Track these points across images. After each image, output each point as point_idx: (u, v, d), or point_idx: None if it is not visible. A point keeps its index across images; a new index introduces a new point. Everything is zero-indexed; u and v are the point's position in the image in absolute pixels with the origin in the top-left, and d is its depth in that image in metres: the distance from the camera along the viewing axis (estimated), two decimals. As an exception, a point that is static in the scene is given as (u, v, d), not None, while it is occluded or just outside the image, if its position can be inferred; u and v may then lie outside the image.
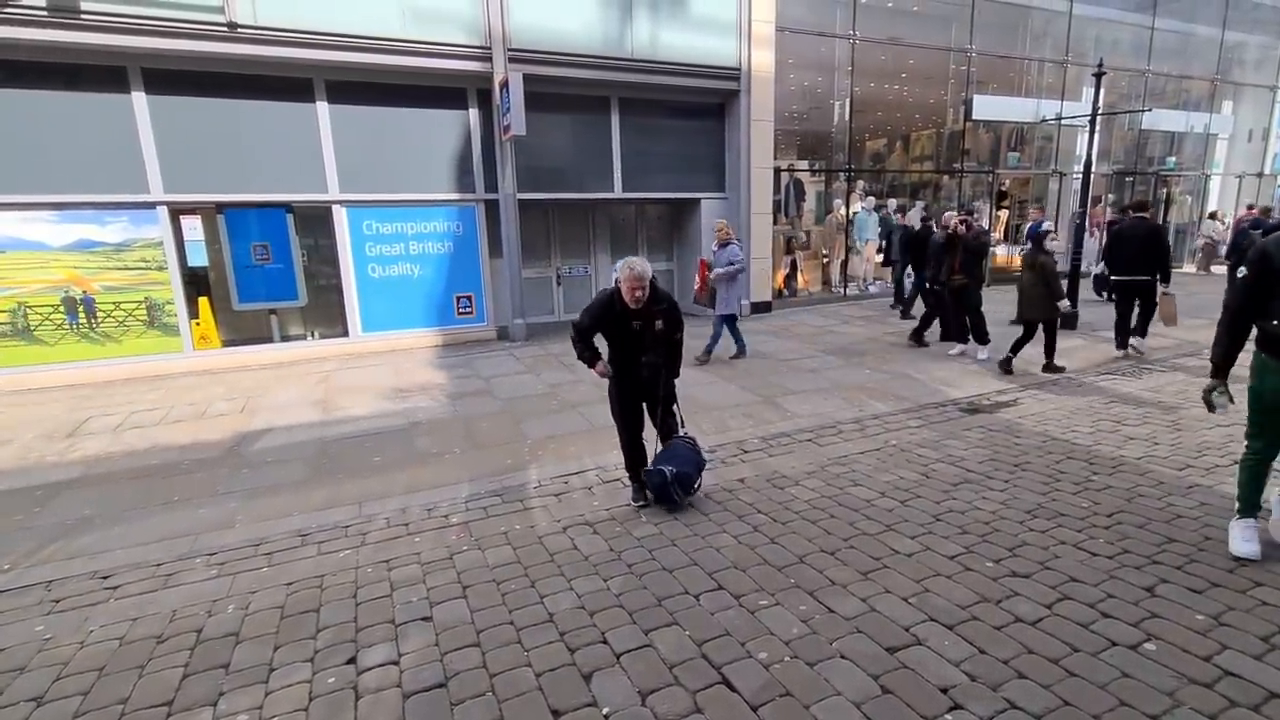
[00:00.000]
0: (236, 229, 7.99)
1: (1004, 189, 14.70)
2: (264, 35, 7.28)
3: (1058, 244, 6.89)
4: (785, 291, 12.06)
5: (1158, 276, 7.13)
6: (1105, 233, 12.19)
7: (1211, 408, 3.20)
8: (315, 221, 8.42)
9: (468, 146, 8.92)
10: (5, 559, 3.63)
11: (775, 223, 11.23)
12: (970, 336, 7.59)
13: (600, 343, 3.94)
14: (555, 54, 8.68)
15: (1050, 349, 6.72)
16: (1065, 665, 2.46)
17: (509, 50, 8.40)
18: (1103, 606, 2.81)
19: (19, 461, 5.10)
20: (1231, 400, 3.17)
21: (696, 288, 8.27)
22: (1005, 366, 6.73)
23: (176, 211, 7.68)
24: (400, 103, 8.46)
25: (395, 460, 4.89)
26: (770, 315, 10.78)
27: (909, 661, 2.52)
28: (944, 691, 2.36)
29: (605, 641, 2.72)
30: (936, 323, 8.36)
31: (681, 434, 4.09)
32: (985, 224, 12.56)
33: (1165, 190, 16.29)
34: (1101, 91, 9.13)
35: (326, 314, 8.78)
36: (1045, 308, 6.48)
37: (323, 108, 8.07)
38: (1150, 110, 13.87)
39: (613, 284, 3.84)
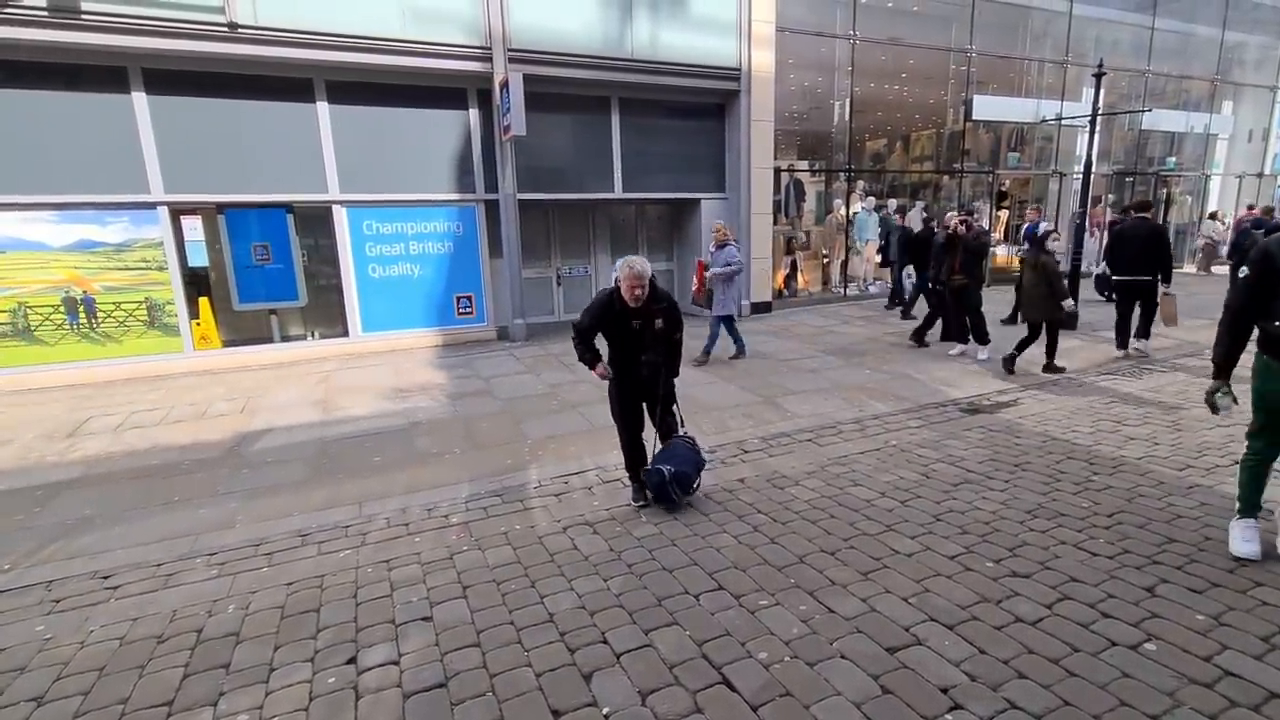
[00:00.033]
0: (237, 229, 7.99)
1: (1004, 189, 14.71)
2: (264, 35, 7.28)
3: (1059, 244, 6.88)
4: (785, 292, 12.06)
5: (1159, 277, 7.13)
6: (1106, 233, 12.21)
7: (1215, 409, 3.18)
8: (315, 221, 8.42)
9: (468, 147, 8.92)
10: (5, 559, 3.63)
11: (775, 223, 11.24)
12: (970, 337, 7.59)
13: (600, 343, 3.94)
14: (555, 54, 8.69)
15: (1051, 349, 6.71)
16: (1065, 665, 2.46)
17: (509, 50, 8.40)
18: (1103, 606, 2.81)
19: (19, 461, 5.10)
20: (1235, 401, 3.15)
21: (695, 289, 8.27)
22: (1009, 365, 6.74)
23: (177, 212, 7.68)
24: (400, 103, 8.46)
25: (395, 460, 4.89)
26: (770, 315, 10.78)
27: (909, 661, 2.52)
28: (944, 691, 2.36)
29: (605, 641, 2.72)
30: (936, 323, 8.36)
31: (681, 434, 4.10)
32: (985, 224, 12.55)
33: (1165, 190, 16.29)
34: (1101, 92, 9.13)
35: (327, 314, 8.78)
36: (1048, 308, 6.48)
37: (323, 108, 8.07)
38: (1150, 110, 13.87)
39: (612, 284, 3.84)
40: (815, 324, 9.95)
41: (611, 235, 11.01)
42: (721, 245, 7.36)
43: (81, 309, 7.42)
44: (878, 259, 12.42)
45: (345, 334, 8.73)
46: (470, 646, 2.72)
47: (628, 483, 4.15)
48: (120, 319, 7.60)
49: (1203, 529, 3.45)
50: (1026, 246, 10.07)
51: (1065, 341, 7.01)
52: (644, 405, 4.06)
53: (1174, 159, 16.28)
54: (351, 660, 2.67)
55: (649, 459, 4.00)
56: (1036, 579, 3.05)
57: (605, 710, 2.33)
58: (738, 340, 7.74)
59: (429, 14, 8.04)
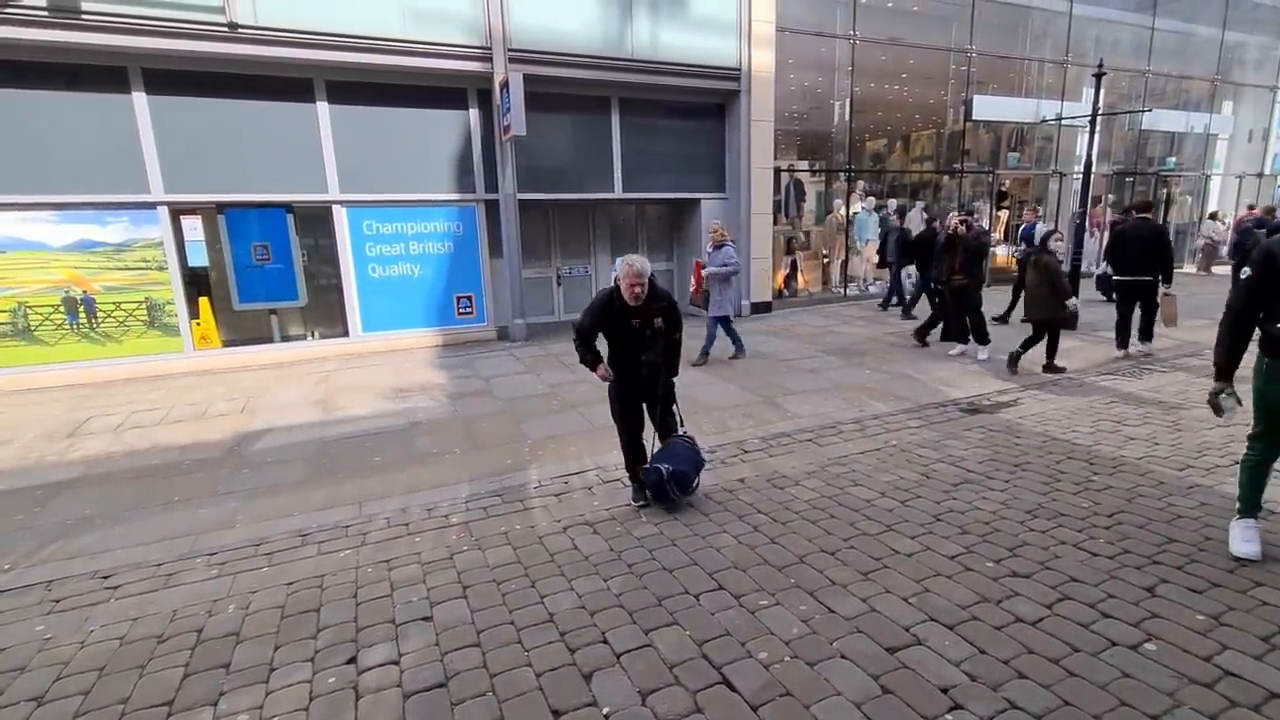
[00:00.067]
0: (237, 229, 7.99)
1: (1004, 189, 14.70)
2: (264, 35, 7.28)
3: (1061, 244, 6.89)
4: (785, 292, 12.06)
5: (1159, 277, 7.14)
6: (1106, 233, 12.20)
7: (1219, 411, 3.15)
8: (315, 221, 8.42)
9: (468, 146, 8.92)
10: (6, 559, 3.63)
11: (775, 223, 11.23)
12: (970, 337, 7.59)
13: (600, 344, 3.94)
14: (555, 54, 8.69)
15: (1052, 349, 6.72)
16: (1065, 665, 2.46)
17: (509, 50, 8.40)
18: (1103, 606, 2.81)
19: (19, 461, 5.10)
20: (1239, 403, 3.13)
21: (693, 289, 8.27)
22: (1013, 364, 6.75)
23: (177, 211, 7.68)
24: (400, 103, 8.46)
25: (395, 460, 4.90)
26: (770, 315, 10.78)
27: (909, 661, 2.52)
28: (944, 691, 2.36)
29: (605, 641, 2.72)
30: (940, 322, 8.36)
31: (681, 433, 4.10)
32: (985, 224, 12.56)
33: (1165, 190, 16.29)
34: (1101, 92, 9.14)
35: (327, 314, 8.78)
36: (1051, 307, 6.48)
37: (323, 108, 8.07)
38: (1150, 110, 13.87)
39: (612, 283, 3.84)
40: (815, 324, 9.95)
41: (611, 235, 11.01)
42: (719, 246, 7.36)
43: (81, 309, 7.42)
44: (876, 259, 12.44)
45: (345, 334, 8.73)
46: (470, 646, 2.73)
47: (628, 483, 4.15)
48: (120, 319, 7.60)
49: (1203, 529, 3.45)
50: (1023, 247, 10.13)
51: (1065, 341, 7.02)
52: (644, 405, 4.06)
53: (1174, 159, 16.28)
54: (352, 660, 2.67)
55: (649, 459, 4.00)
56: (1036, 579, 3.05)
57: (605, 710, 2.33)
58: (736, 340, 7.73)
59: (429, 14, 8.04)
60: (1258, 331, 3.03)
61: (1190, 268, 15.74)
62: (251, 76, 7.66)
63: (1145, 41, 14.25)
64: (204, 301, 8.01)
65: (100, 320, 7.52)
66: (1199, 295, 11.18)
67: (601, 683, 2.47)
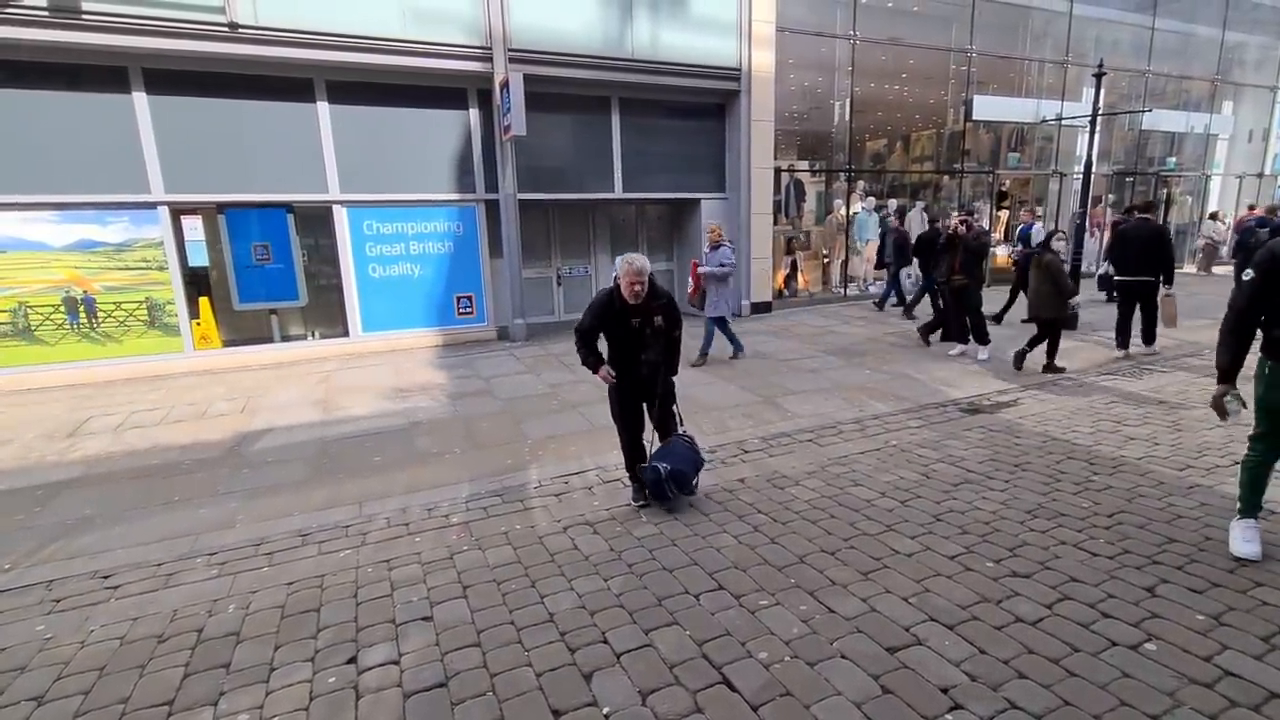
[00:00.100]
0: (237, 229, 7.99)
1: (1004, 189, 14.71)
2: (265, 35, 7.28)
3: (1064, 244, 6.90)
4: (785, 292, 12.06)
5: (1160, 278, 7.14)
6: (1107, 233, 12.19)
7: (1224, 414, 3.09)
8: (316, 221, 8.42)
9: (468, 146, 8.92)
10: (6, 559, 3.63)
11: (775, 223, 11.23)
12: (970, 337, 7.59)
13: (600, 344, 3.94)
14: (555, 54, 8.69)
15: (1052, 349, 6.72)
16: (1066, 665, 2.46)
17: (509, 50, 8.40)
18: (1103, 606, 2.81)
19: (20, 461, 5.10)
20: (1244, 405, 3.09)
21: (690, 290, 8.27)
22: (1019, 362, 6.78)
23: (177, 211, 7.68)
24: (400, 103, 8.46)
25: (396, 460, 4.90)
26: (770, 315, 10.78)
27: (909, 661, 2.52)
28: (944, 691, 2.36)
29: (606, 641, 2.72)
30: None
31: (680, 432, 4.09)
32: (985, 224, 12.55)
33: (1165, 191, 16.29)
34: (1101, 92, 9.13)
35: (327, 314, 8.78)
36: (1055, 306, 6.49)
37: (323, 108, 8.07)
38: (1150, 111, 13.87)
39: (612, 283, 3.85)
40: (815, 324, 9.95)
41: (611, 235, 11.01)
42: (715, 246, 7.34)
43: (82, 309, 7.42)
44: (874, 259, 12.44)
45: (345, 334, 8.73)
46: (470, 646, 2.73)
47: (628, 483, 4.15)
48: (120, 319, 7.60)
49: (1203, 529, 3.45)
50: (1019, 248, 10.17)
51: (1065, 341, 7.02)
52: (644, 405, 4.06)
53: (1174, 159, 16.28)
54: (352, 660, 2.67)
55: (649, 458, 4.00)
56: (1037, 579, 3.05)
57: (605, 710, 2.34)
58: (733, 341, 7.71)
59: (429, 14, 8.04)
60: (1261, 336, 3.01)
61: (1190, 268, 15.74)
62: (252, 76, 7.66)
63: (1145, 41, 14.25)
64: (204, 301, 8.01)
65: (100, 320, 7.52)
66: (1199, 295, 11.18)
67: (602, 682, 2.48)
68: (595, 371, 3.89)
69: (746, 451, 4.84)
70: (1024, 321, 9.07)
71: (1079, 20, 13.28)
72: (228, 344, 8.22)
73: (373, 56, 7.84)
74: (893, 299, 10.98)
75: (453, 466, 4.74)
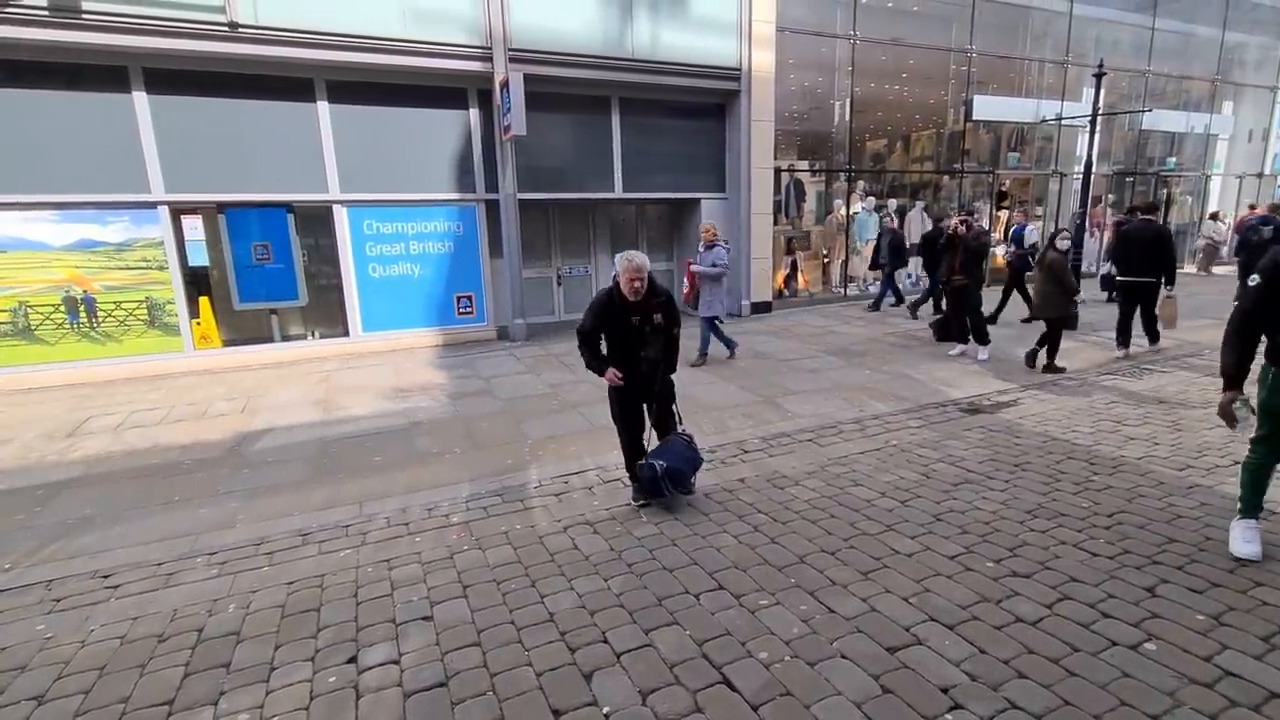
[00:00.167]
0: (237, 229, 7.99)
1: (1004, 189, 14.71)
2: (265, 35, 7.28)
3: (1066, 244, 6.92)
4: (785, 292, 12.06)
5: (1161, 278, 7.15)
6: (1107, 233, 12.19)
7: (1233, 422, 3.02)
8: (316, 221, 8.42)
9: (468, 146, 8.92)
10: (6, 558, 3.63)
11: (775, 223, 11.23)
12: (970, 337, 7.59)
13: (600, 345, 3.94)
14: (555, 54, 8.69)
15: (1053, 349, 6.72)
16: (1066, 665, 2.46)
17: (509, 50, 8.40)
18: (1103, 606, 2.81)
19: (20, 461, 5.10)
20: (1253, 411, 3.05)
21: (685, 290, 8.25)
22: (1030, 360, 6.81)
23: (177, 211, 7.68)
24: (401, 103, 8.46)
25: (396, 460, 4.90)
26: (770, 315, 10.78)
27: (909, 661, 2.52)
28: (944, 691, 2.36)
29: (606, 641, 2.72)
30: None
31: (679, 431, 4.09)
32: (985, 224, 12.55)
33: (1166, 191, 16.29)
34: (1101, 92, 9.15)
35: (327, 314, 8.78)
36: (1059, 304, 6.49)
37: (323, 108, 8.07)
38: (1150, 111, 13.87)
39: (611, 282, 3.85)
40: (815, 324, 9.95)
41: (612, 235, 11.01)
42: (710, 246, 7.31)
43: (82, 308, 7.42)
44: (870, 260, 12.42)
45: (345, 334, 8.73)
46: (471, 646, 2.73)
47: (628, 483, 4.15)
48: (120, 318, 7.60)
49: (1203, 529, 3.45)
50: (1012, 249, 10.21)
51: (1065, 341, 7.02)
52: (644, 405, 4.06)
53: (1174, 159, 16.28)
54: (352, 659, 2.68)
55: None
56: (1037, 579, 3.05)
57: (606, 710, 2.34)
58: (726, 342, 7.67)
59: (429, 14, 8.04)
60: (1266, 342, 2.99)
61: (1190, 268, 15.74)
62: (252, 76, 7.66)
63: (1145, 41, 14.25)
64: (204, 301, 8.01)
65: (101, 320, 7.52)
66: (1199, 295, 11.19)
67: (602, 682, 2.48)
68: (601, 374, 3.87)
69: (746, 451, 4.84)
70: (1024, 321, 9.10)
71: (1079, 20, 13.28)
72: (228, 344, 8.22)
73: (373, 56, 7.84)
74: (890, 299, 10.99)
75: (453, 466, 4.74)
